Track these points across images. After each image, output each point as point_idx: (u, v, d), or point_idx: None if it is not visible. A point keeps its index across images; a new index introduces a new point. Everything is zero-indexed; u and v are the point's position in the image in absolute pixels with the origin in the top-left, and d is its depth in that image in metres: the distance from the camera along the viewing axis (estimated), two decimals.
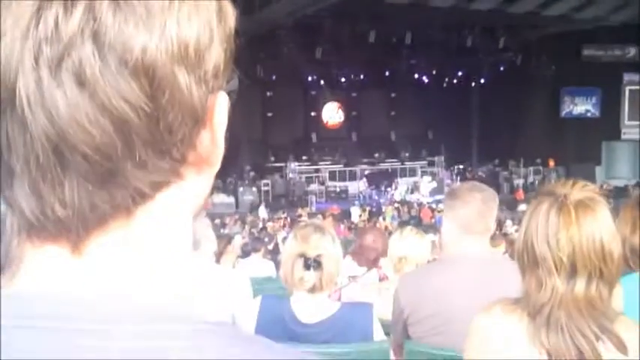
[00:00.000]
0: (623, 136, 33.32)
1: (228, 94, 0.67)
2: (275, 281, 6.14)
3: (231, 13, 0.65)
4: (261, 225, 23.08)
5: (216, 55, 0.62)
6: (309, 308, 2.80)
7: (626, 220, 2.62)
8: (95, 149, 0.56)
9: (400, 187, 29.81)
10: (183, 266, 0.66)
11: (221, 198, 26.34)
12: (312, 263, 2.75)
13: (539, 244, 1.79)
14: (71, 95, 0.55)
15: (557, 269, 1.75)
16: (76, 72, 0.55)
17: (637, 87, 32.91)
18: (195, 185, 0.65)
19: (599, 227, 1.78)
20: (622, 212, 2.66)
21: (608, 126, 32.99)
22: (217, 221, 20.71)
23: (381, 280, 4.49)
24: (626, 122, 33.26)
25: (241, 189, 27.68)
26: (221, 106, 0.65)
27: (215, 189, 26.37)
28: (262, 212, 25.14)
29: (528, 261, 1.81)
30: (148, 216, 0.62)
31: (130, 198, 0.60)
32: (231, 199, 26.93)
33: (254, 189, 28.16)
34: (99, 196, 0.58)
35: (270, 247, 16.60)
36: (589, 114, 33.37)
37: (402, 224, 23.39)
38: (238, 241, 11.28)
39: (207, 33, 0.60)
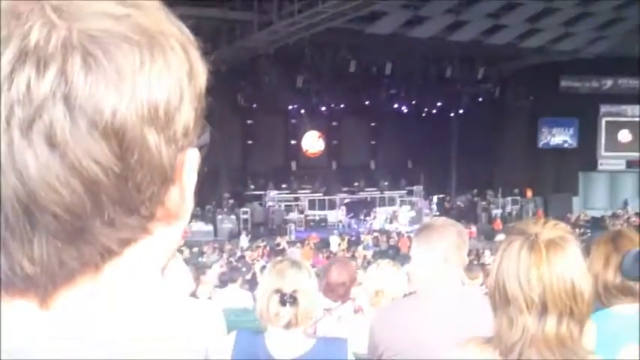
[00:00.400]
0: (599, 167, 33.70)
1: (200, 148, 0.67)
2: (252, 313, 6.09)
3: (202, 72, 0.65)
4: (239, 253, 22.98)
5: (186, 115, 0.62)
6: (284, 345, 2.78)
7: (598, 257, 2.62)
8: (65, 209, 0.56)
9: (379, 216, 29.86)
10: (152, 311, 0.65)
11: (199, 226, 26.19)
12: (288, 299, 2.73)
13: (510, 283, 1.79)
14: (42, 156, 0.55)
15: (528, 308, 1.75)
16: (46, 133, 0.55)
17: (613, 118, 33.38)
18: (163, 239, 0.65)
19: (570, 266, 1.79)
20: (594, 248, 2.66)
21: (585, 157, 33.39)
22: (195, 249, 20.58)
23: (356, 311, 4.47)
24: (603, 153, 33.68)
25: (220, 217, 27.56)
26: (191, 163, 0.65)
27: (194, 217, 26.21)
28: (243, 241, 25.02)
29: (500, 299, 1.80)
30: (116, 270, 0.62)
31: (99, 255, 0.60)
32: (210, 227, 26.79)
33: (233, 217, 28.04)
34: (67, 253, 0.58)
35: (248, 276, 16.50)
36: (566, 144, 33.75)
37: (381, 254, 23.41)
38: (216, 270, 11.22)
39: (177, 94, 0.61)
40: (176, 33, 0.63)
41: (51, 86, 0.55)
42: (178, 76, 0.61)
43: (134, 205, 0.60)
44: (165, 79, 0.60)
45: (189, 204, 0.66)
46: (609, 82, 32.74)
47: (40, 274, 0.59)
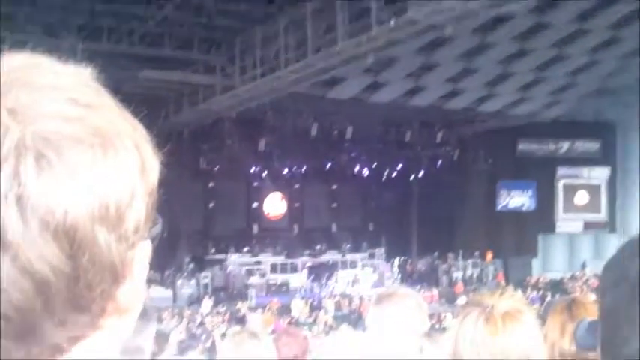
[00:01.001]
0: (557, 229, 34.19)
1: (152, 239, 0.68)
2: None
3: (154, 168, 0.66)
4: (199, 319, 22.63)
5: (138, 212, 0.63)
6: None
7: (553, 325, 2.66)
8: (14, 309, 0.56)
9: (341, 280, 29.72)
10: None
11: (158, 291, 25.75)
12: None
13: (467, 353, 1.83)
14: None
15: None
16: None
17: (570, 181, 34.07)
18: (115, 330, 0.65)
19: (525, 337, 1.86)
20: (549, 316, 2.71)
21: (543, 219, 33.89)
22: (155, 315, 20.18)
23: None
24: (561, 215, 34.23)
25: (180, 281, 27.16)
26: (142, 256, 0.66)
27: (152, 282, 25.83)
28: (205, 306, 24.65)
29: None
30: None
31: (49, 353, 0.60)
32: (169, 292, 26.37)
33: (193, 281, 27.65)
34: (16, 352, 0.58)
35: (208, 344, 16.20)
36: (524, 207, 34.23)
37: (343, 318, 23.27)
38: (174, 337, 10.98)
39: (128, 192, 0.61)
40: (129, 131, 0.64)
41: (4, 189, 0.56)
42: (130, 175, 0.62)
43: (85, 302, 0.60)
44: (116, 179, 0.60)
45: (140, 295, 0.67)
46: (566, 145, 33.54)
47: None
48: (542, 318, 2.61)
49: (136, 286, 0.65)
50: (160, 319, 20.50)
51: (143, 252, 0.66)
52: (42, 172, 0.56)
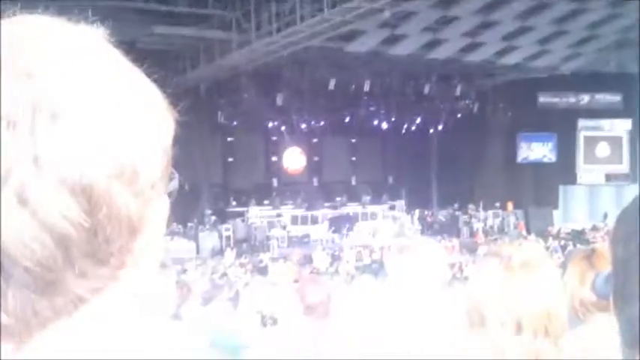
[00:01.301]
0: (579, 180, 33.98)
1: (169, 195, 0.73)
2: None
3: (168, 127, 0.72)
4: (222, 271, 22.92)
5: (153, 170, 0.67)
6: None
7: (574, 274, 2.61)
8: (36, 263, 0.60)
9: (361, 231, 29.85)
10: (128, 351, 0.69)
11: (181, 243, 26.07)
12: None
13: (485, 303, 1.86)
14: (13, 214, 0.59)
15: (503, 327, 1.82)
16: (17, 192, 0.59)
17: (591, 133, 33.74)
18: (134, 282, 0.70)
19: (543, 287, 1.86)
20: (570, 265, 2.67)
21: (564, 170, 33.64)
22: (178, 267, 20.50)
23: None
24: (582, 166, 33.99)
25: (202, 234, 27.48)
26: (159, 213, 0.70)
27: (175, 234, 26.17)
28: (228, 257, 24.98)
29: (476, 318, 1.87)
30: (89, 316, 0.65)
31: (71, 304, 0.64)
32: (192, 245, 26.68)
33: (215, 234, 27.96)
34: (41, 303, 0.62)
35: (231, 294, 16.41)
36: (545, 159, 33.99)
37: (364, 268, 23.42)
38: (198, 288, 11.22)
39: (143, 148, 0.66)
40: (142, 90, 0.70)
41: (21, 147, 0.59)
42: (144, 132, 0.66)
43: (104, 256, 0.63)
44: (131, 136, 0.65)
45: (158, 249, 0.72)
46: (586, 98, 33.11)
47: (15, 324, 0.62)
48: (563, 267, 2.63)
49: (154, 240, 0.69)
50: (183, 271, 20.86)
51: (160, 207, 0.69)
52: (57, 131, 0.59)
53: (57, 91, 0.61)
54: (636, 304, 0.69)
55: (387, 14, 18.93)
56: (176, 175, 0.74)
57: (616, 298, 0.75)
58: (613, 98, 33.05)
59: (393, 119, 32.18)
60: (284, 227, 29.60)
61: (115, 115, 0.64)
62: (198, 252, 26.51)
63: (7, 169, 0.58)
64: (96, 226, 0.61)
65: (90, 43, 0.68)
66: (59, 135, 0.60)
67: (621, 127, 33.58)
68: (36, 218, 0.59)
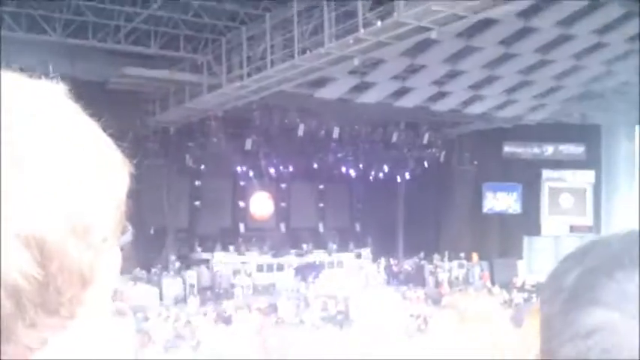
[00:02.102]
0: (543, 232, 34.34)
1: (122, 246, 0.72)
2: None
3: (123, 178, 0.71)
4: (185, 319, 22.58)
5: (106, 222, 0.67)
6: None
7: (531, 326, 2.67)
8: None
9: (327, 280, 29.71)
10: None
11: (144, 289, 25.68)
12: None
13: (442, 355, 1.89)
14: None
15: None
16: None
17: (555, 183, 34.26)
18: (85, 334, 0.69)
19: (496, 340, 1.88)
20: (528, 318, 2.71)
21: (529, 221, 34.04)
22: (140, 314, 20.14)
23: None
24: (547, 217, 34.41)
25: (166, 280, 27.09)
26: (111, 263, 0.70)
27: (138, 279, 25.78)
28: (192, 305, 24.64)
29: None
30: None
31: (20, 352, 0.63)
32: (155, 291, 26.28)
33: (179, 280, 27.58)
34: None
35: (194, 343, 16.15)
36: (510, 209, 34.36)
37: (329, 319, 23.30)
38: (160, 336, 11.00)
39: (97, 205, 0.66)
40: (98, 144, 0.69)
41: None
42: (98, 186, 0.67)
43: (54, 307, 0.63)
44: (85, 191, 0.65)
45: (108, 303, 0.71)
46: (550, 148, 33.77)
47: None
48: (516, 320, 2.62)
49: (104, 292, 0.69)
50: (145, 318, 20.49)
51: (112, 259, 0.70)
52: (13, 186, 0.60)
53: (15, 147, 0.61)
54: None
55: (356, 62, 19.17)
56: (129, 229, 0.74)
57: (541, 355, 0.79)
58: (576, 149, 33.75)
59: (361, 166, 32.40)
60: (249, 274, 29.34)
61: (70, 171, 0.64)
62: (161, 298, 26.12)
63: None
64: (47, 278, 0.61)
65: (48, 99, 0.68)
66: (15, 189, 0.60)
67: (584, 178, 34.17)
68: None
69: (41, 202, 0.61)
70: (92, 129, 0.70)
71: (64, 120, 0.67)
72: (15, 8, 19.89)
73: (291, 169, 31.76)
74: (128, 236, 0.73)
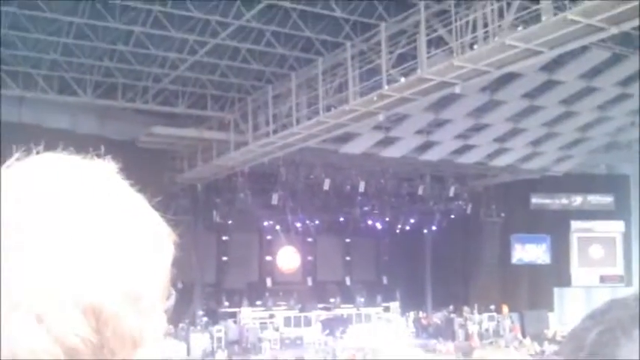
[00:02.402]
0: (573, 283, 33.87)
1: (166, 311, 0.79)
2: None
3: (169, 249, 0.78)
4: None
5: (155, 291, 0.75)
6: None
7: None
8: None
9: (355, 334, 29.46)
10: None
11: (172, 344, 25.64)
12: None
13: None
14: (30, 330, 0.65)
15: None
16: (35, 312, 0.65)
17: (584, 234, 33.89)
18: None
19: None
20: None
21: (559, 272, 33.61)
22: None
23: None
24: (576, 268, 33.97)
25: (193, 335, 27.04)
26: (158, 326, 0.76)
27: (166, 335, 25.72)
28: (220, 358, 24.56)
29: None
30: None
31: None
32: (183, 346, 26.23)
33: (206, 335, 27.53)
34: None
35: None
36: (540, 260, 33.98)
37: None
38: None
39: (148, 275, 0.74)
40: (148, 221, 0.77)
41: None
42: (148, 259, 0.74)
43: None
44: (137, 263, 0.73)
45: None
46: (579, 199, 33.53)
47: None
48: None
49: (153, 352, 0.73)
50: None
51: (159, 322, 0.75)
52: (76, 256, 0.67)
53: (77, 222, 0.69)
54: None
55: (381, 117, 19.32)
56: (173, 293, 0.80)
57: None
58: (605, 199, 33.47)
59: (387, 219, 32.36)
60: (276, 329, 29.19)
61: (124, 244, 0.71)
62: (188, 353, 26.04)
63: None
64: (102, 341, 0.67)
65: (103, 177, 0.76)
66: (76, 261, 0.67)
67: (614, 228, 33.80)
68: (50, 334, 0.65)
69: (99, 273, 0.68)
70: (142, 204, 0.77)
71: (118, 196, 0.75)
72: (47, 71, 20.41)
73: (317, 222, 31.83)
74: (172, 300, 0.79)
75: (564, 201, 33.51)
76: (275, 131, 21.08)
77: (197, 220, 28.03)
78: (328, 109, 19.20)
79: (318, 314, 30.81)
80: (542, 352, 26.83)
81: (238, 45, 19.75)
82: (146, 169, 23.86)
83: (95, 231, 0.70)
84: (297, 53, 20.26)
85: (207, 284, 30.20)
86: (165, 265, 0.77)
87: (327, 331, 29.70)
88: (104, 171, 0.77)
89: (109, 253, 0.70)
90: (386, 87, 17.36)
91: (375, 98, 17.89)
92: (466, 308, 32.08)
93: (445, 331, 30.82)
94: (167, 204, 25.84)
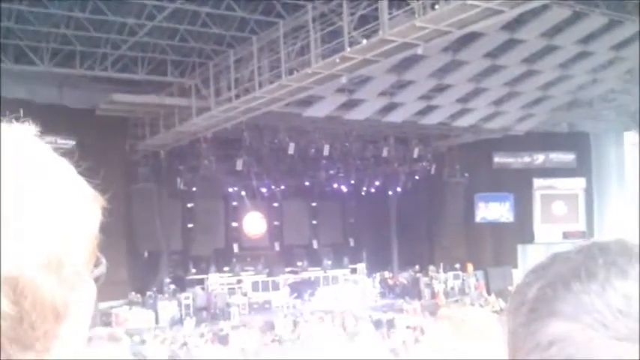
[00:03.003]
0: (536, 239, 34.43)
1: (95, 279, 0.74)
2: None
3: (93, 214, 0.73)
4: (182, 340, 22.51)
5: (78, 258, 0.69)
6: None
7: None
8: None
9: (323, 296, 29.69)
10: None
11: (140, 313, 25.61)
12: None
13: None
14: None
15: None
16: None
17: (547, 191, 34.41)
18: None
19: (492, 352, 1.88)
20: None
21: (522, 229, 34.14)
22: (136, 337, 20.07)
23: None
24: (539, 225, 34.52)
25: (161, 303, 27.00)
26: (84, 297, 0.72)
27: (133, 304, 25.71)
28: (188, 326, 24.57)
29: None
30: None
31: None
32: (151, 314, 26.19)
33: (174, 302, 27.49)
34: None
35: None
36: (503, 219, 34.44)
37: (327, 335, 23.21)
38: (157, 358, 10.97)
39: (68, 241, 0.68)
40: (69, 183, 0.71)
41: None
42: (69, 225, 0.69)
43: (29, 341, 0.65)
44: (55, 228, 0.67)
45: (83, 337, 0.72)
46: (541, 157, 33.97)
47: None
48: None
49: (80, 325, 0.70)
50: (142, 341, 20.42)
51: (86, 293, 0.71)
52: None
53: None
54: None
55: (343, 80, 19.25)
56: (103, 261, 0.75)
57: None
58: (566, 157, 33.98)
59: (352, 182, 32.43)
60: (245, 294, 29.27)
61: (41, 208, 0.66)
62: (157, 321, 26.01)
63: None
64: (21, 314, 0.63)
65: (18, 140, 0.70)
66: None
67: (576, 185, 34.36)
68: None
69: (13, 241, 0.62)
70: (62, 166, 0.72)
71: (34, 159, 0.69)
72: (1, 40, 19.90)
73: (282, 187, 31.80)
74: (102, 269, 0.75)
75: (526, 159, 33.92)
76: (237, 96, 20.90)
77: (161, 187, 27.81)
78: (291, 72, 19.07)
79: (285, 278, 30.95)
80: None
81: (198, 9, 19.44)
82: (107, 137, 23.70)
83: (9, 194, 0.64)
84: (257, 16, 20.03)
85: (174, 252, 30.06)
86: (90, 230, 0.72)
87: (295, 295, 29.88)
88: (21, 134, 0.72)
89: (25, 217, 0.64)
90: (348, 49, 17.28)
91: (337, 60, 17.79)
92: (432, 267, 32.47)
93: (411, 291, 31.19)
94: (129, 172, 25.60)
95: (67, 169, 0.73)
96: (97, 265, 0.74)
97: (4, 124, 0.72)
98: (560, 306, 0.72)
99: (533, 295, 0.77)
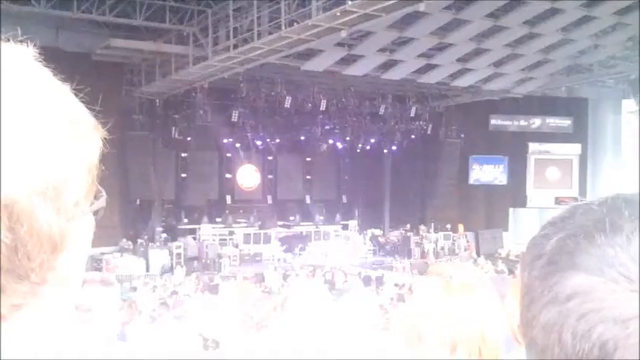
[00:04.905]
0: (529, 203, 34.56)
1: (95, 212, 0.71)
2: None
3: (94, 143, 0.70)
4: (172, 289, 22.63)
5: (76, 187, 0.66)
6: None
7: (514, 296, 2.67)
8: None
9: (314, 251, 29.87)
10: None
11: (131, 260, 25.72)
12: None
13: (423, 322, 1.87)
14: None
15: (438, 346, 1.83)
16: None
17: (541, 156, 34.42)
18: (55, 303, 0.68)
19: (480, 309, 1.86)
20: (511, 288, 2.72)
21: (515, 193, 34.24)
22: (127, 284, 20.19)
23: None
24: (532, 189, 34.61)
25: (152, 251, 27.10)
26: (83, 230, 0.69)
27: (125, 250, 25.80)
28: (179, 275, 24.68)
29: (413, 336, 1.88)
30: (7, 334, 0.64)
31: None
32: (142, 262, 26.31)
33: (166, 251, 27.62)
34: None
35: (180, 312, 16.18)
36: (497, 181, 34.52)
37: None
38: (147, 305, 11.01)
39: (67, 168, 0.65)
40: (67, 107, 0.67)
41: None
42: (68, 152, 0.65)
43: (24, 272, 0.62)
44: (54, 154, 0.63)
45: (80, 270, 0.70)
46: (537, 121, 33.89)
47: None
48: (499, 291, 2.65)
49: (77, 258, 0.68)
50: (132, 288, 20.54)
51: (84, 225, 0.69)
52: None
53: None
54: (535, 329, 0.72)
55: (343, 34, 19.03)
56: (103, 194, 0.73)
57: (521, 322, 0.77)
58: (563, 122, 33.91)
59: (348, 139, 32.36)
60: (236, 246, 29.41)
61: (39, 133, 0.63)
62: (147, 269, 26.15)
63: None
64: (16, 242, 0.61)
65: (16, 61, 0.67)
66: None
67: (571, 150, 34.36)
68: None
69: (9, 165, 0.60)
70: (63, 92, 0.69)
71: (33, 83, 0.66)
72: None
73: (278, 141, 31.71)
74: (102, 202, 0.72)
75: (523, 123, 33.85)
76: (235, 46, 20.66)
77: (155, 136, 27.71)
78: (290, 24, 18.83)
79: (277, 232, 31.10)
80: (496, 270, 27.50)
81: None
82: (103, 82, 23.37)
83: (6, 116, 0.61)
84: None
85: (166, 201, 30.13)
86: (90, 159, 0.68)
87: (286, 248, 30.06)
88: (21, 54, 0.67)
89: (22, 141, 0.61)
90: (349, 2, 17.04)
91: (338, 14, 17.55)
92: (423, 227, 32.63)
93: (402, 249, 31.39)
94: (124, 119, 25.45)
95: (67, 95, 0.69)
96: (97, 197, 0.71)
97: (3, 43, 0.68)
98: (581, 258, 0.69)
99: (551, 247, 0.73)
